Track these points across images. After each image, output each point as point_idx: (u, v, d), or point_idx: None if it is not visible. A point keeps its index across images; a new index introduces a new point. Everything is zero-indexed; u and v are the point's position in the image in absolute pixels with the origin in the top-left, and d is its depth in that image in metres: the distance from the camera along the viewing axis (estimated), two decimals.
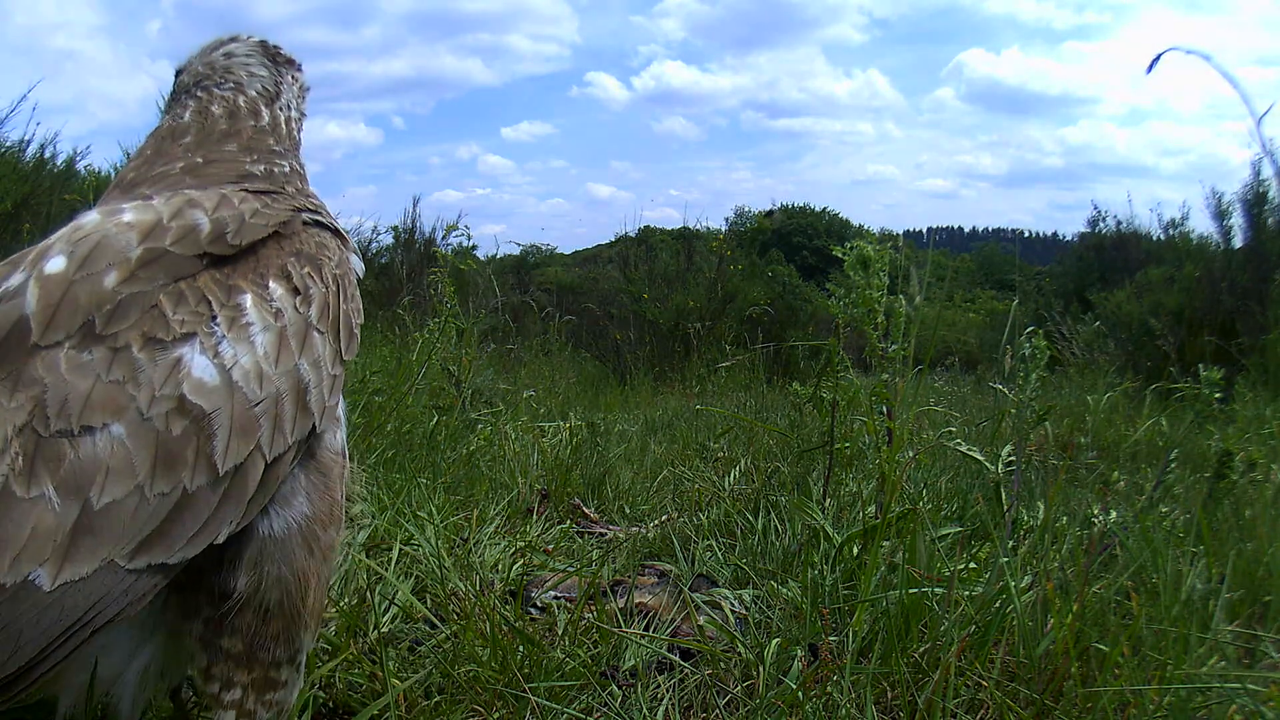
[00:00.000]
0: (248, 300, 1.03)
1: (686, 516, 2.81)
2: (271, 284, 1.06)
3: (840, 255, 2.09)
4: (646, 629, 1.88)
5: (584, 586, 1.92)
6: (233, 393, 0.96)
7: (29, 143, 6.34)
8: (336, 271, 1.17)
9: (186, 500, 0.92)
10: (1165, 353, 6.43)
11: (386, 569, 2.02)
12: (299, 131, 1.48)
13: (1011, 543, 1.96)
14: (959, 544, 1.94)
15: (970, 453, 2.21)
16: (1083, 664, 1.49)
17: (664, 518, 2.91)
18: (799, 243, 39.60)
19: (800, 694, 1.45)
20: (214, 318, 0.99)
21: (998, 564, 1.66)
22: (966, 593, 1.69)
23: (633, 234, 11.27)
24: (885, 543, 1.92)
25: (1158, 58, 2.56)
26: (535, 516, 2.85)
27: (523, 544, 2.44)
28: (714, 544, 2.44)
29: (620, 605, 1.96)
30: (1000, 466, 2.15)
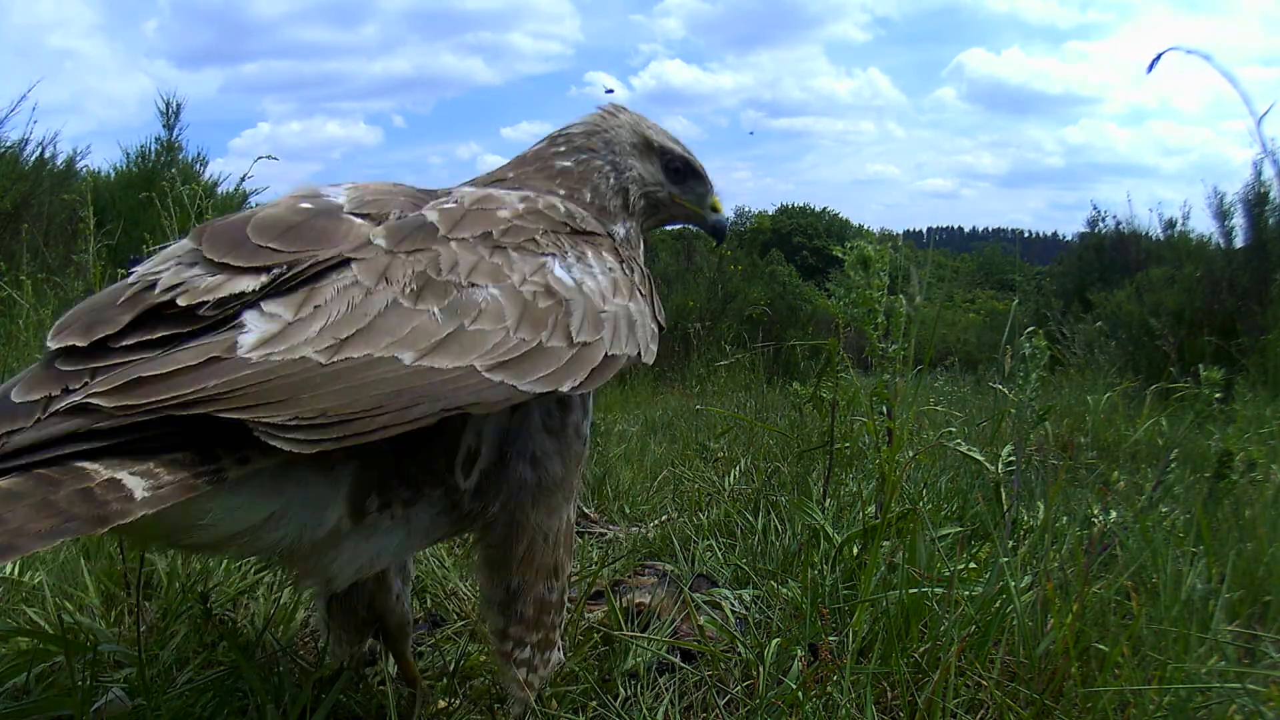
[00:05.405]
0: (590, 253, 1.32)
1: (686, 516, 2.81)
2: (606, 254, 1.36)
3: (840, 255, 2.09)
4: (646, 629, 1.88)
5: (584, 586, 1.92)
6: (585, 297, 1.23)
7: (28, 142, 6.34)
8: (646, 273, 1.47)
9: (541, 351, 1.14)
10: (1165, 353, 6.43)
11: None
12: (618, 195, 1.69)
13: (1011, 543, 1.96)
14: (959, 544, 1.94)
15: (970, 453, 2.20)
16: (1083, 664, 1.49)
17: (664, 518, 2.91)
18: (799, 243, 39.60)
19: (800, 694, 1.45)
20: (568, 254, 1.28)
21: (998, 564, 1.66)
22: (966, 593, 1.69)
23: None
24: (885, 543, 1.92)
25: (1158, 57, 2.56)
26: None
27: None
28: (714, 544, 2.43)
29: (620, 605, 1.96)
30: (1000, 466, 2.14)
